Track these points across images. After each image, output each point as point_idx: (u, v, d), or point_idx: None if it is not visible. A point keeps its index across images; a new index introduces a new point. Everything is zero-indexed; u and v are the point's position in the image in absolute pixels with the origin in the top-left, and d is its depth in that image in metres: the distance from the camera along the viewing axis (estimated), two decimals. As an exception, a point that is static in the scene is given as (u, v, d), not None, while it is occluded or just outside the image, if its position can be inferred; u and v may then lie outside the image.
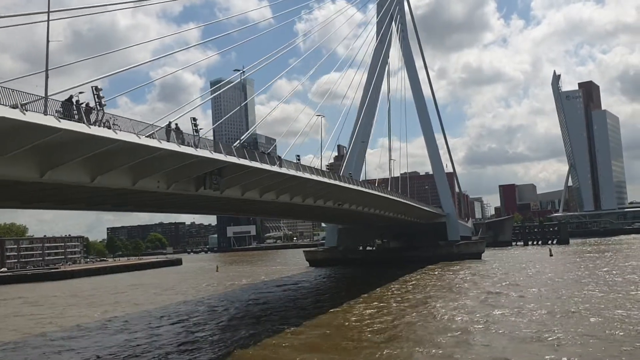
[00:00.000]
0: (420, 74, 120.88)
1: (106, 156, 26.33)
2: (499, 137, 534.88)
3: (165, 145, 27.46)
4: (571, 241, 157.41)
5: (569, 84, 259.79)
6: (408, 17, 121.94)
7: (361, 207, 70.66)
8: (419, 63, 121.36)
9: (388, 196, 72.43)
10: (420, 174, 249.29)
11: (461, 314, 39.61)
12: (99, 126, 24.02)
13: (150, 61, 42.40)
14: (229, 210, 58.94)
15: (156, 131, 27.43)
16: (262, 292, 66.07)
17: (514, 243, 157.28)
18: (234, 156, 33.90)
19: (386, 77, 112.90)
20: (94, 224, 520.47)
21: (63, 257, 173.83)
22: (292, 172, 41.78)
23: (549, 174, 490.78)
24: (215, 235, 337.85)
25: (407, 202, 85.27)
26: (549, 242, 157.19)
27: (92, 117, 23.93)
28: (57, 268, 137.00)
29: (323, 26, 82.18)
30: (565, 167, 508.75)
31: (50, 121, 20.96)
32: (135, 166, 28.90)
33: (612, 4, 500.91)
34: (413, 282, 66.43)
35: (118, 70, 34.02)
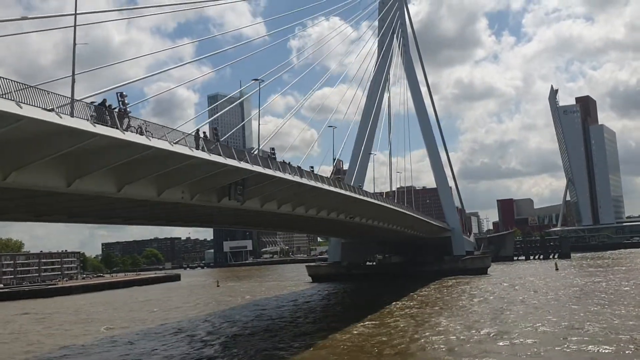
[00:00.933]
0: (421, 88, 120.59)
1: (134, 165, 25.18)
2: (491, 152, 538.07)
3: (198, 153, 26.38)
4: (572, 255, 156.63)
5: (561, 100, 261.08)
6: (409, 29, 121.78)
7: (371, 220, 69.38)
8: (419, 77, 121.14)
9: (401, 210, 71.56)
10: (417, 187, 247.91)
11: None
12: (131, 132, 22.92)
13: (145, 77, 41.94)
14: (245, 224, 57.86)
15: (184, 137, 26.29)
16: (265, 309, 64.35)
17: (515, 258, 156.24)
18: (260, 165, 32.79)
19: (387, 90, 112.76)
20: (86, 240, 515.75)
21: (59, 272, 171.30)
22: (312, 183, 40.69)
23: (542, 189, 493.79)
24: (212, 251, 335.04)
25: (417, 216, 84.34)
26: (551, 256, 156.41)
27: (124, 123, 22.81)
28: (54, 284, 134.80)
29: (319, 42, 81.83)
30: (557, 182, 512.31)
31: (86, 126, 19.78)
32: (162, 176, 27.77)
33: (602, 21, 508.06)
34: (424, 299, 65.08)
35: (114, 86, 32.29)
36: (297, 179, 37.86)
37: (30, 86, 18.00)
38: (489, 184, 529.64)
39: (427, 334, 38.65)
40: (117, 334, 48.80)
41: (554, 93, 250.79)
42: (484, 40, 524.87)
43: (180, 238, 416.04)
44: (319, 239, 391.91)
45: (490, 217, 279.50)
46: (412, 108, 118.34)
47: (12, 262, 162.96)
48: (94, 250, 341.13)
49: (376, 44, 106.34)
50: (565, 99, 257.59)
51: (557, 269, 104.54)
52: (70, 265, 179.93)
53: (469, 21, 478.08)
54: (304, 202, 46.77)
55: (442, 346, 33.93)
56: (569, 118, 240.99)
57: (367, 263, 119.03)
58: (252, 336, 42.78)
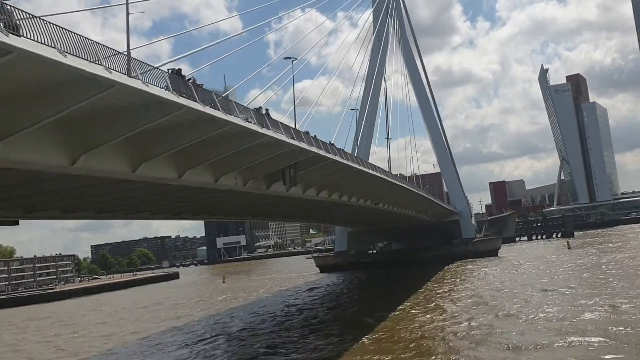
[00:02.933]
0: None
1: (198, 147, 22.61)
2: (472, 137, 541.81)
3: (271, 133, 23.85)
4: (575, 234, 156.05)
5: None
6: (404, 13, 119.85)
7: (392, 206, 67.27)
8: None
9: (424, 195, 69.38)
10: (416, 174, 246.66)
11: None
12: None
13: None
14: (275, 215, 55.29)
15: (252, 114, 23.76)
16: (294, 301, 62.09)
17: (517, 239, 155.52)
18: (314, 146, 30.35)
19: (384, 75, 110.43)
20: (71, 244, 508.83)
21: (55, 277, 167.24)
22: (359, 166, 38.34)
23: (524, 171, 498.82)
24: (204, 248, 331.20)
25: (434, 200, 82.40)
26: (553, 235, 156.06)
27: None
28: (52, 288, 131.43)
29: (297, 36, 78.94)
30: (538, 164, 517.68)
31: (170, 96, 17.24)
32: (220, 160, 25.20)
33: (574, 3, 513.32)
34: (453, 280, 63.25)
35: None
36: (347, 162, 35.53)
37: (118, 52, 15.45)
38: (471, 168, 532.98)
39: (487, 317, 36.59)
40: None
41: (544, 72, 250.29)
42: (459, 27, 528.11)
43: (170, 236, 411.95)
44: (311, 230, 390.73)
45: (482, 200, 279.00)
46: (411, 92, 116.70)
47: (5, 268, 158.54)
48: (81, 254, 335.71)
49: (372, 31, 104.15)
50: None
51: (569, 247, 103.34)
52: (66, 269, 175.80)
53: (443, 8, 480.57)
54: (340, 188, 44.52)
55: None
56: (560, 97, 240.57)
57: (369, 252, 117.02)
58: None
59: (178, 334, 44.56)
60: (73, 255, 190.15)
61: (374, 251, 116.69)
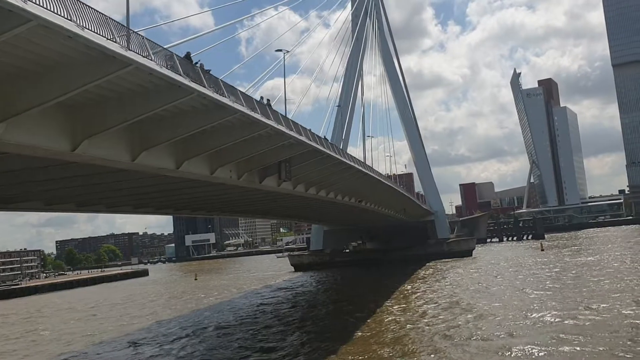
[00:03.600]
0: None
1: (198, 136, 21.63)
2: (441, 140, 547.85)
3: (274, 123, 23.00)
4: (545, 236, 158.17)
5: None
6: (382, 15, 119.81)
7: (374, 204, 66.77)
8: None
9: (407, 194, 69.08)
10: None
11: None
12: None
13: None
14: (259, 212, 54.07)
15: (255, 103, 22.75)
16: (270, 300, 60.90)
17: (488, 240, 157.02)
18: (313, 140, 29.51)
19: (362, 77, 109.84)
20: (33, 239, 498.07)
21: (19, 272, 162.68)
22: (352, 163, 37.74)
23: (490, 174, 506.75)
24: (172, 245, 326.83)
25: (414, 199, 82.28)
26: (524, 237, 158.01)
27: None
28: (17, 284, 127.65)
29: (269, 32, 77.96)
30: (505, 167, 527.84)
31: (185, 81, 16.25)
32: (218, 152, 24.22)
33: (543, 9, 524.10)
34: (432, 279, 63.10)
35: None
36: (340, 157, 34.80)
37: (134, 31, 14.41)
38: (439, 170, 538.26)
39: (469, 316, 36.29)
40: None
41: (516, 76, 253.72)
42: (430, 30, 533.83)
43: (137, 233, 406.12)
44: (281, 229, 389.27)
45: (452, 201, 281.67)
46: (389, 92, 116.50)
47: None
48: (44, 249, 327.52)
49: (351, 31, 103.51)
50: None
51: (542, 249, 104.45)
52: (31, 264, 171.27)
53: (415, 11, 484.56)
54: (328, 184, 43.80)
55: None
56: (532, 101, 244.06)
57: (344, 251, 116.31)
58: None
59: (154, 333, 43.20)
60: (39, 250, 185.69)
61: (347, 250, 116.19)
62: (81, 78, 13.56)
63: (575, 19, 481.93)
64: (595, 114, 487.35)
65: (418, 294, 52.35)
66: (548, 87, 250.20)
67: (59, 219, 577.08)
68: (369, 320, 37.69)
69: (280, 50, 38.62)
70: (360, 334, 33.21)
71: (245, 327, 41.06)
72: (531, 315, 34.58)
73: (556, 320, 32.27)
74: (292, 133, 24.90)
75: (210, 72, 18.77)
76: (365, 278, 78.23)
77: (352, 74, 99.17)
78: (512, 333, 29.88)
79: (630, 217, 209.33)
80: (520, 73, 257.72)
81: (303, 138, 26.90)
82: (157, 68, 14.53)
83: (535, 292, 45.76)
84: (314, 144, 28.55)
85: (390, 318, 38.59)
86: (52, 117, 15.75)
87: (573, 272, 58.89)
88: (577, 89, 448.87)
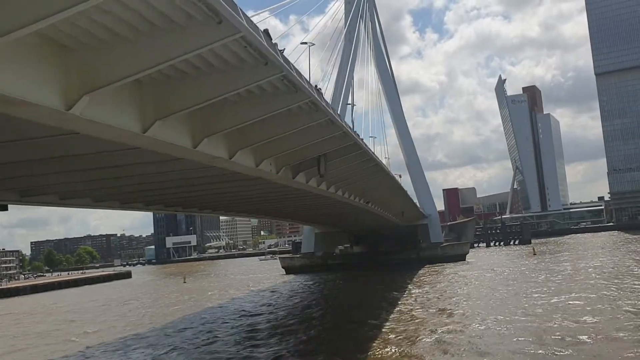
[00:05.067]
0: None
1: (257, 125, 20.03)
2: (418, 146, 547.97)
3: (331, 112, 21.40)
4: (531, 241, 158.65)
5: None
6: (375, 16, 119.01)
7: (377, 206, 65.35)
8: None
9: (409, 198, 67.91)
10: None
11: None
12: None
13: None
14: (277, 213, 52.12)
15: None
16: (271, 301, 59.49)
17: (475, 245, 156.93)
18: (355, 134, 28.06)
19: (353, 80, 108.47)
20: (5, 240, 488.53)
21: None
22: (378, 160, 36.27)
23: (466, 180, 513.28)
24: (152, 247, 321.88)
25: (416, 203, 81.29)
26: (511, 242, 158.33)
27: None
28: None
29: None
30: (481, 174, 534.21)
31: (279, 59, 14.70)
32: (269, 143, 22.61)
33: (518, 20, 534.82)
34: (437, 282, 61.92)
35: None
36: (373, 155, 33.42)
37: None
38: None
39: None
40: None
41: (501, 82, 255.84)
42: (408, 37, 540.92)
43: (116, 235, 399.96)
44: (262, 232, 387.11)
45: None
46: (382, 94, 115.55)
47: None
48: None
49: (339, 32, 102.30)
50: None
51: (534, 254, 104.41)
52: (9, 265, 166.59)
53: (394, 18, 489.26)
54: (346, 184, 42.37)
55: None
56: (517, 107, 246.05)
57: (334, 253, 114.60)
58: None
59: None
60: (17, 251, 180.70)
61: (333, 254, 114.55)
62: (180, 46, 11.93)
63: (549, 30, 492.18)
64: (568, 123, 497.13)
65: (422, 299, 50.90)
66: (532, 94, 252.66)
67: (31, 220, 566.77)
68: (382, 327, 36.21)
69: (305, 43, 37.09)
70: (369, 341, 31.69)
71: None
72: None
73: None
74: (343, 124, 23.41)
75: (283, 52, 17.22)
76: (365, 282, 76.67)
77: (342, 77, 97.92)
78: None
79: (611, 224, 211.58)
80: (505, 80, 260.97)
81: (349, 130, 25.44)
82: (262, 40, 12.95)
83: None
84: (356, 137, 27.16)
85: (396, 326, 36.91)
86: (125, 93, 14.11)
87: (576, 277, 57.98)
88: (550, 98, 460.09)
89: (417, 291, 56.77)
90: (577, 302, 40.07)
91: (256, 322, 44.37)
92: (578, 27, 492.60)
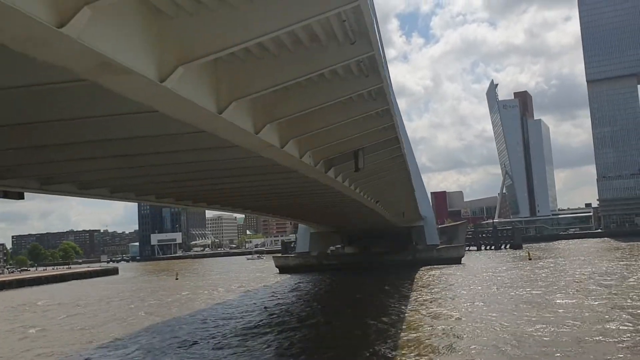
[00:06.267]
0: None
1: (316, 112, 18.90)
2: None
3: (394, 99, 20.31)
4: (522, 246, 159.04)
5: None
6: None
7: (383, 207, 64.26)
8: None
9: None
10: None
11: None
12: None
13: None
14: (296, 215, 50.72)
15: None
16: (277, 300, 58.30)
17: (466, 248, 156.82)
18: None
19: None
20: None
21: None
22: (405, 156, 35.27)
23: (449, 184, 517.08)
24: (137, 244, 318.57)
25: (417, 204, 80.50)
26: (502, 246, 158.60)
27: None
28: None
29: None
30: (464, 178, 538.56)
31: (375, 33, 13.62)
32: (321, 132, 21.47)
33: (503, 27, 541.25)
34: (438, 284, 61.17)
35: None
36: (405, 152, 32.49)
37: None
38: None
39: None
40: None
41: (493, 87, 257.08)
42: (395, 41, 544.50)
43: (99, 230, 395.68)
44: (247, 231, 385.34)
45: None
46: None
47: None
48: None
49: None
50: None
51: (530, 258, 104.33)
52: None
53: (380, 21, 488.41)
54: (365, 181, 41.40)
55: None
56: (509, 112, 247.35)
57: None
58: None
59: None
60: (2, 244, 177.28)
61: (328, 253, 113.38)
62: (283, 17, 10.77)
63: (533, 37, 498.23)
64: (551, 130, 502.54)
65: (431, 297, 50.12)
66: (523, 99, 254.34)
67: (11, 214, 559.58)
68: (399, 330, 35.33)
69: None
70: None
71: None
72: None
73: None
74: (395, 112, 22.34)
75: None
76: (365, 281, 75.76)
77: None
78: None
79: (599, 230, 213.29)
80: (497, 84, 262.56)
81: (397, 121, 24.38)
82: (370, 11, 11.83)
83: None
84: (399, 131, 26.14)
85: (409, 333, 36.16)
86: (204, 69, 12.96)
87: (585, 283, 57.51)
88: (534, 105, 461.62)
89: (426, 296, 55.95)
90: (595, 310, 39.39)
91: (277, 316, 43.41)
92: (562, 35, 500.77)
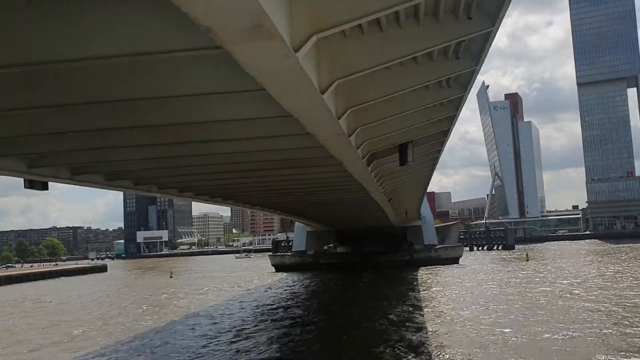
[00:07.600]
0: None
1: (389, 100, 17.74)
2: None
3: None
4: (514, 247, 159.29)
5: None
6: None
7: (393, 205, 63.29)
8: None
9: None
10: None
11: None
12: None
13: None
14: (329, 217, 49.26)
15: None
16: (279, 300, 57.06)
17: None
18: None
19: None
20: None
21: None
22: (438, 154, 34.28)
23: (432, 185, 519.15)
24: (122, 241, 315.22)
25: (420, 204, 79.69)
26: (494, 247, 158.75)
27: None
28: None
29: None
30: (447, 180, 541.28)
31: None
32: (382, 123, 20.35)
33: None
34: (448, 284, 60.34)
35: None
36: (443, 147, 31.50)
37: None
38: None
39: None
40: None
41: (484, 88, 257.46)
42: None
43: (83, 227, 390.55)
44: (234, 230, 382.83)
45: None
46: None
47: None
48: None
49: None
50: None
51: (527, 259, 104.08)
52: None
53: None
54: (388, 178, 40.33)
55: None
56: (499, 114, 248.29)
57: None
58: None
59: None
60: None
61: (324, 252, 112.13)
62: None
63: (516, 41, 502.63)
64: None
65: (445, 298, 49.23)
66: (514, 101, 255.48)
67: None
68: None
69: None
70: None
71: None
72: None
73: None
74: (462, 105, 21.22)
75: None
76: (364, 282, 74.73)
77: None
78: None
79: (588, 232, 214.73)
80: (488, 86, 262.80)
81: (458, 112, 23.23)
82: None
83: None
84: (450, 126, 25.06)
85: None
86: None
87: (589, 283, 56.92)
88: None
89: (435, 295, 55.10)
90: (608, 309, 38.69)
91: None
92: (544, 40, 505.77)
